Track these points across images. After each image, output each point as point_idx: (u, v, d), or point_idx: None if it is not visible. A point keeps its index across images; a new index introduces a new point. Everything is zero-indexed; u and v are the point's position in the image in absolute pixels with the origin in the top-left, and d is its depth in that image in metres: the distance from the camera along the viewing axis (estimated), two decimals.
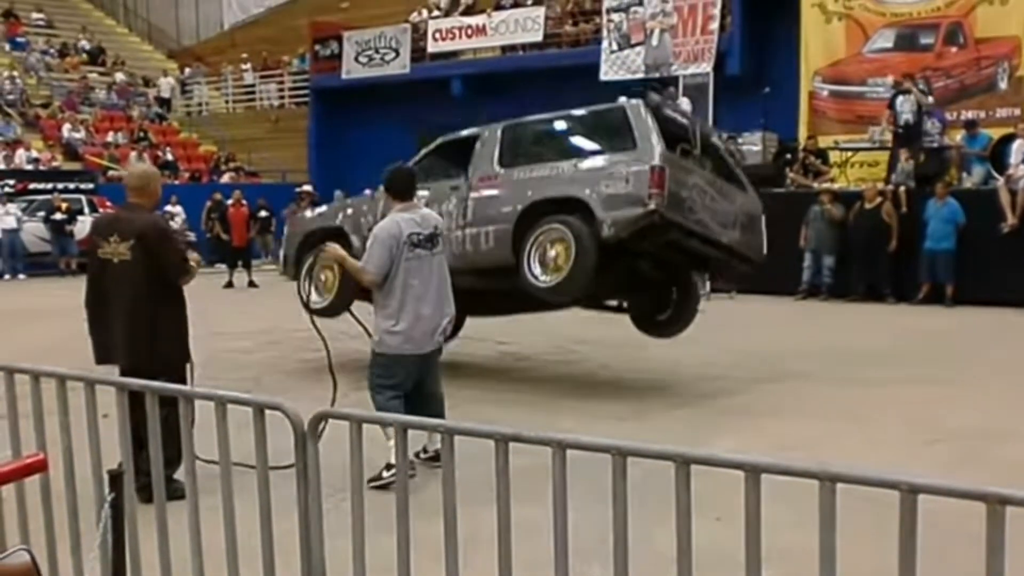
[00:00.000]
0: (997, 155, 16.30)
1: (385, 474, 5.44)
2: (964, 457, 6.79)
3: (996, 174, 15.93)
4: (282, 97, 31.47)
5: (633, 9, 21.59)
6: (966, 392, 8.87)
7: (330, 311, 9.22)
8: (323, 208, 10.99)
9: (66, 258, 22.96)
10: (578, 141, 9.46)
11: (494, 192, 9.12)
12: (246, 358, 11.04)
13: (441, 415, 5.94)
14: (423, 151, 10.09)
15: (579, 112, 9.82)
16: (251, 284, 20.24)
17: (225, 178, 28.16)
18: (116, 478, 3.00)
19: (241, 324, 10.61)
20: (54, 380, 3.82)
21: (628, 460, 2.74)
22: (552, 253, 8.47)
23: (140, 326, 5.68)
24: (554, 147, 9.41)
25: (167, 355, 5.68)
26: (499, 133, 9.66)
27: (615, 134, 8.82)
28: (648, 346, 10.60)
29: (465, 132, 10.11)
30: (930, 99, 17.26)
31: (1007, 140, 16.31)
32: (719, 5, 20.66)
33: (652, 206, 8.10)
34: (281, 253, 11.06)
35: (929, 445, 7.09)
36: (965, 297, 14.68)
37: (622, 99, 9.12)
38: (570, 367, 10.64)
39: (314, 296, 9.43)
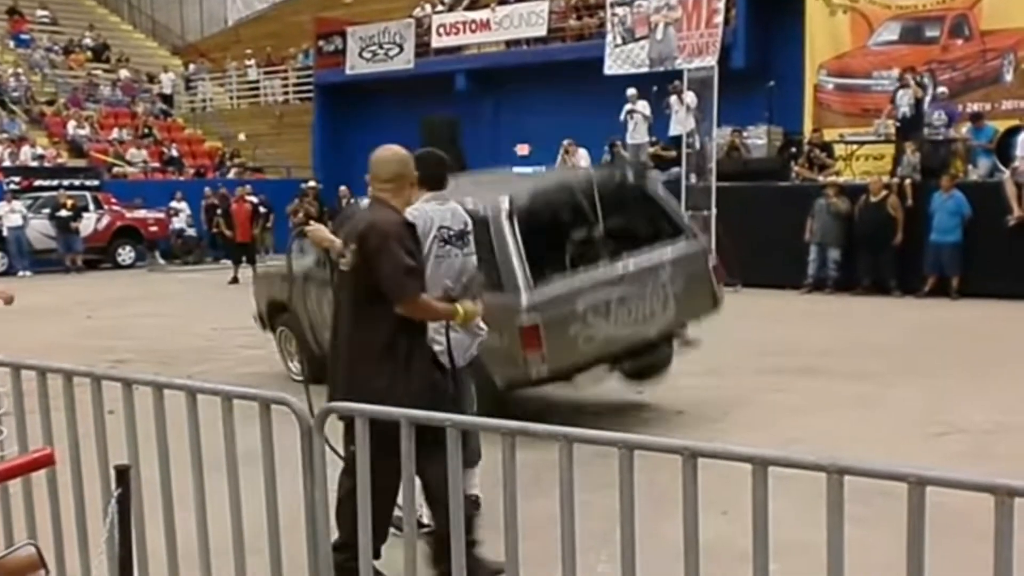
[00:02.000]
0: (1003, 147, 16.25)
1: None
2: (973, 450, 6.78)
3: (1002, 166, 15.88)
4: (286, 93, 31.47)
5: (637, 3, 21.52)
6: (974, 385, 8.84)
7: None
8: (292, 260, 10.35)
9: (72, 255, 23.00)
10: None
11: None
12: (250, 353, 11.04)
13: (476, 449, 5.05)
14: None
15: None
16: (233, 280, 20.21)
17: (229, 174, 28.19)
18: (123, 473, 3.00)
19: (246, 320, 10.64)
20: (60, 376, 3.83)
21: (635, 454, 2.74)
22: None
23: (350, 356, 4.36)
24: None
25: (380, 390, 4.10)
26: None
27: (487, 257, 6.49)
28: None
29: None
30: (930, 92, 17.21)
31: (1013, 132, 16.23)
32: None
33: (532, 373, 6.87)
34: (253, 305, 10.37)
35: (938, 438, 7.08)
36: (971, 290, 14.63)
37: (485, 206, 6.90)
38: None
39: (294, 366, 9.44)
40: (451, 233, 5.02)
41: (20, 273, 22.02)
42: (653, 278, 7.65)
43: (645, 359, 8.06)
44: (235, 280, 19.91)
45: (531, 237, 6.99)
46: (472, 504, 4.86)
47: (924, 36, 18.69)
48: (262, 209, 22.44)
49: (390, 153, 4.51)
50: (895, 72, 18.08)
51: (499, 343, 6.45)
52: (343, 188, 22.00)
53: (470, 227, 5.20)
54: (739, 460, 2.57)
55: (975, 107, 17.43)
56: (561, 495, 2.81)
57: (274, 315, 9.70)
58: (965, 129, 16.99)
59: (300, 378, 8.93)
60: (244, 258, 20.45)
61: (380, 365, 4.21)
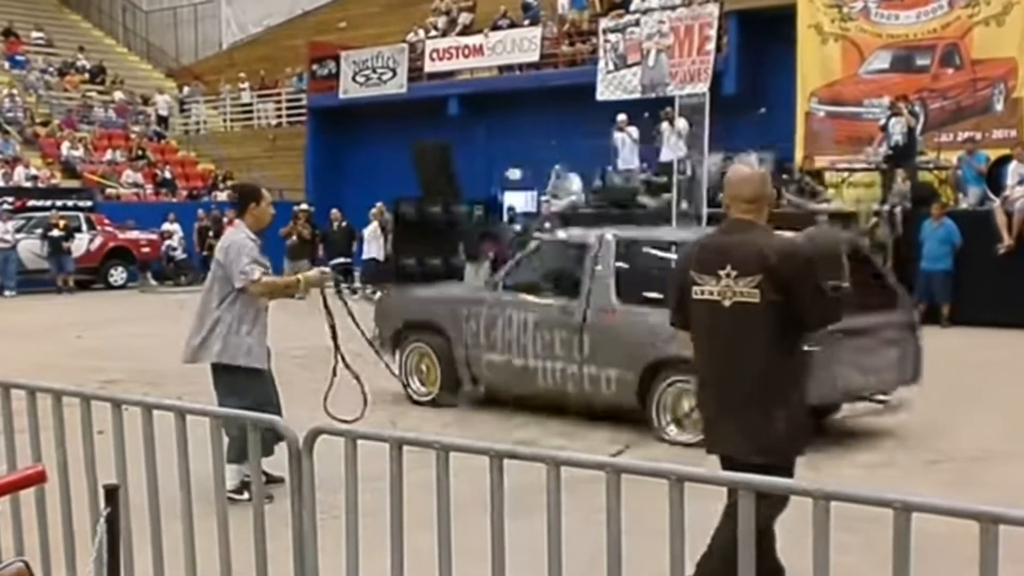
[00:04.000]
0: (993, 176, 16.35)
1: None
2: (961, 478, 6.80)
3: (992, 195, 15.98)
4: (279, 116, 31.54)
5: (630, 30, 21.66)
6: (963, 413, 8.86)
7: (437, 402, 9.23)
8: (425, 290, 10.60)
9: (63, 275, 22.94)
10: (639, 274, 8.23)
11: (614, 329, 8.16)
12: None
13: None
14: (519, 254, 9.70)
15: (673, 238, 8.53)
16: None
17: (223, 196, 28.20)
18: (111, 493, 3.00)
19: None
20: (50, 396, 3.83)
21: (623, 478, 2.75)
22: (685, 406, 7.53)
23: (756, 396, 3.87)
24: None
25: (790, 436, 3.91)
26: (612, 248, 8.40)
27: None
28: None
29: (569, 237, 9.42)
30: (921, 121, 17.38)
31: (1003, 161, 16.37)
32: (715, 26, 20.73)
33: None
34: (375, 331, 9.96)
35: (928, 466, 7.09)
36: (961, 318, 14.68)
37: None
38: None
39: (419, 387, 9.51)
40: None
41: (6, 292, 21.97)
42: (882, 339, 8.03)
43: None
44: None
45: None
46: None
47: (915, 65, 18.85)
48: None
49: (750, 171, 4.30)
50: (886, 100, 18.21)
51: None
52: (335, 211, 22.04)
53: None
54: (724, 485, 2.59)
55: (966, 135, 17.56)
56: (548, 518, 2.82)
57: (406, 335, 9.70)
58: (956, 157, 17.10)
59: (424, 399, 9.41)
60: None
61: (788, 398, 3.90)
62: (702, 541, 3.68)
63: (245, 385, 6.00)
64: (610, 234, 8.55)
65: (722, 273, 3.85)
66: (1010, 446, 7.61)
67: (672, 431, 7.78)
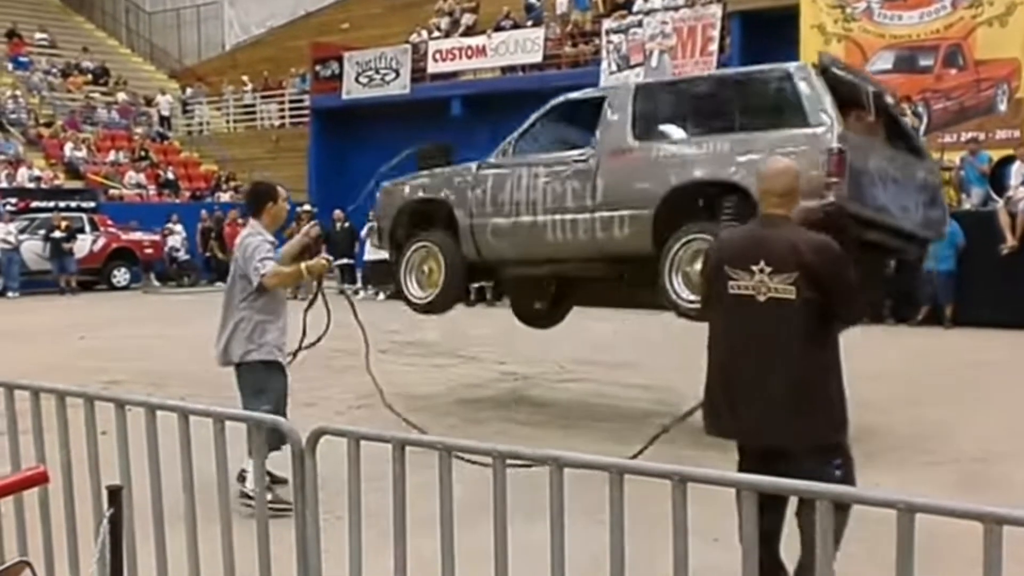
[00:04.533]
0: (997, 177, 16.33)
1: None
2: (964, 479, 6.79)
3: (995, 196, 15.96)
4: (283, 117, 31.56)
5: (632, 30, 21.67)
6: (966, 413, 8.85)
7: (433, 308, 8.98)
8: (417, 175, 9.71)
9: (66, 276, 22.98)
10: (732, 112, 7.96)
11: (629, 169, 7.94)
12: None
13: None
14: (533, 117, 9.13)
15: (732, 74, 8.84)
16: None
17: (225, 197, 28.24)
18: (115, 494, 3.00)
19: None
20: (54, 396, 3.83)
21: (625, 479, 2.74)
22: (697, 267, 6.98)
23: (798, 391, 3.87)
24: (702, 118, 8.10)
25: (828, 429, 3.95)
26: (631, 96, 8.28)
27: (781, 105, 7.56)
28: (641, 367, 10.60)
29: (585, 94, 9.01)
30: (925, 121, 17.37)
31: (1006, 162, 16.34)
32: (718, 27, 20.73)
33: (831, 198, 6.73)
34: (375, 224, 10.24)
35: (930, 467, 7.08)
36: (964, 318, 14.67)
37: (787, 65, 7.91)
38: (569, 392, 10.61)
39: (415, 290, 9.10)
40: None
41: (9, 294, 21.99)
42: (913, 175, 8.02)
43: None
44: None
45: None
46: None
47: (918, 65, 18.82)
48: None
49: (785, 165, 4.26)
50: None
51: None
52: (338, 212, 22.03)
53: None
54: (728, 485, 2.58)
55: (970, 136, 17.54)
56: (551, 519, 2.82)
57: (410, 228, 9.27)
58: (960, 157, 17.08)
59: (420, 301, 9.00)
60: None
61: (828, 390, 3.94)
62: (703, 541, 3.68)
63: (265, 381, 6.04)
64: (631, 82, 8.55)
65: (755, 268, 3.86)
66: (1012, 447, 7.60)
67: (685, 294, 7.40)
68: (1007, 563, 2.28)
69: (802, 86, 7.38)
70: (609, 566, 2.77)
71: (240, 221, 21.49)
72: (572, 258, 8.34)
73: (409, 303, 9.21)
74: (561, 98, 9.07)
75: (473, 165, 9.00)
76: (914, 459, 7.26)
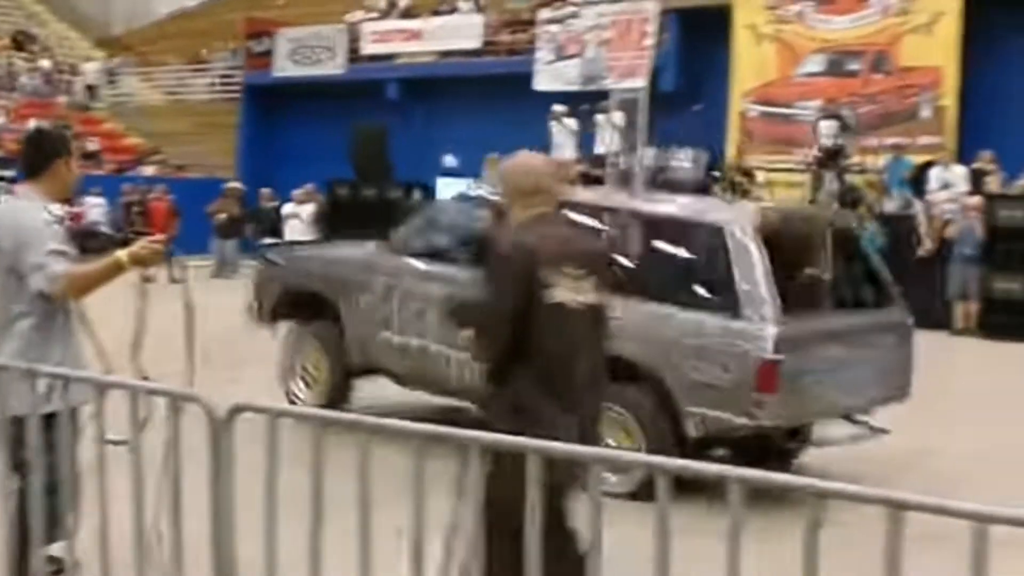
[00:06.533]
0: (918, 181, 16.72)
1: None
2: (889, 471, 6.94)
3: (916, 199, 16.34)
4: (212, 92, 31.04)
5: (569, 21, 21.69)
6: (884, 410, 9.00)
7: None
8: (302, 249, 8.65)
9: None
10: (651, 264, 6.77)
11: None
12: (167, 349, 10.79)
13: None
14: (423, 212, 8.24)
15: (656, 212, 7.10)
16: (173, 279, 19.85)
17: (149, 171, 27.69)
18: (20, 465, 2.91)
19: (159, 320, 10.38)
20: None
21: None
22: (610, 443, 5.93)
23: (597, 404, 3.96)
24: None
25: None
26: None
27: (707, 271, 6.43)
28: None
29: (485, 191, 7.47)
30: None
31: (927, 166, 16.78)
32: (655, 22, 20.84)
33: (760, 419, 5.92)
34: (252, 300, 8.62)
35: (847, 460, 7.18)
36: None
37: (717, 216, 6.42)
38: None
39: (299, 391, 7.89)
40: None
41: None
42: (869, 341, 6.95)
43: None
44: (149, 279, 19.50)
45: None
46: None
47: (846, 69, 19.19)
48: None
49: (533, 160, 3.96)
50: (818, 103, 18.50)
51: (718, 379, 5.94)
52: (266, 190, 21.78)
53: None
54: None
55: (894, 141, 17.93)
56: (466, 501, 2.80)
57: (289, 312, 8.14)
58: (882, 161, 17.44)
59: (305, 401, 7.75)
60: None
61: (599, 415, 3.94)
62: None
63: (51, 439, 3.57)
64: None
65: (567, 271, 3.69)
66: (930, 442, 7.78)
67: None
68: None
69: (734, 257, 6.12)
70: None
71: (166, 197, 21.07)
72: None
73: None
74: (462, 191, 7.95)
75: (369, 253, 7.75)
76: (838, 450, 7.26)
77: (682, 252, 6.78)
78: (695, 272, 6.64)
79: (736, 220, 6.36)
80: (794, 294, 6.30)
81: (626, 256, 6.62)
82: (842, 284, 6.87)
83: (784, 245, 6.31)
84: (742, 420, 5.92)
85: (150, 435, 3.38)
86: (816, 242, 6.59)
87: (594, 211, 6.84)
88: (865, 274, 7.24)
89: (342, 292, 7.63)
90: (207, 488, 3.26)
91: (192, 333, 4.55)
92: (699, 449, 6.18)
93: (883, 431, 6.94)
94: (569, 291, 3.67)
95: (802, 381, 6.12)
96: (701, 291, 6.42)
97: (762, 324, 5.95)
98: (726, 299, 6.12)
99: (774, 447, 6.73)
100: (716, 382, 5.95)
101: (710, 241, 6.37)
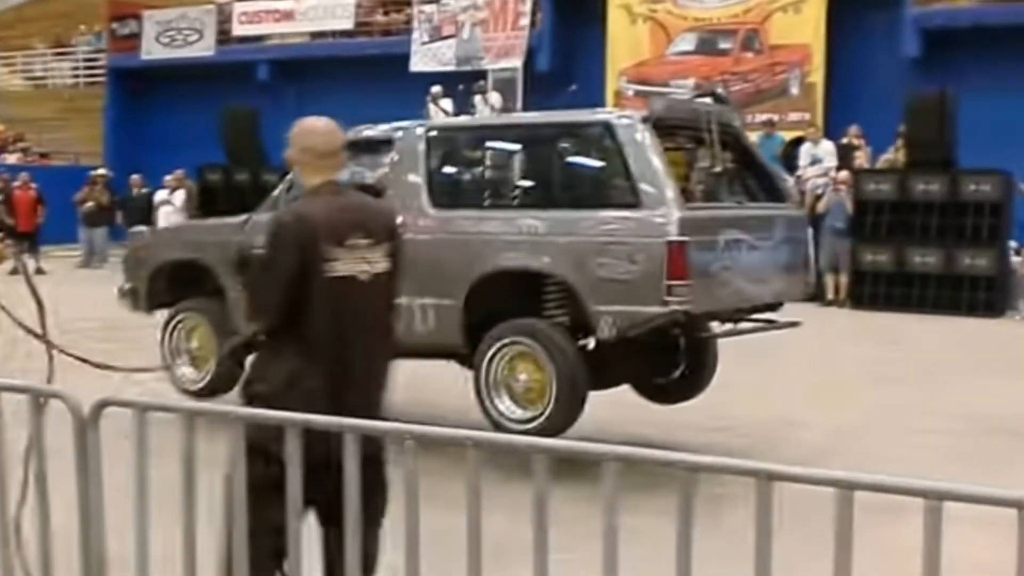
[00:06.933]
0: (788, 157, 17.17)
1: None
2: (758, 443, 7.11)
3: (787, 174, 16.77)
4: (76, 76, 29.95)
5: (444, 2, 21.60)
6: (762, 383, 9.17)
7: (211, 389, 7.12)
8: (173, 223, 8.37)
9: None
10: (548, 173, 6.83)
11: (428, 245, 6.30)
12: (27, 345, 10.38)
13: None
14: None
15: (543, 121, 7.10)
16: (39, 271, 19.15)
17: (12, 159, 26.57)
18: None
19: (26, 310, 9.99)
20: None
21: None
22: (521, 378, 6.17)
23: (385, 373, 3.69)
24: (510, 181, 6.86)
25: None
26: (423, 145, 6.77)
27: (604, 170, 6.50)
28: None
29: (373, 132, 7.28)
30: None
31: (797, 143, 17.24)
32: (529, 1, 20.90)
33: (673, 306, 5.80)
34: (124, 284, 8.14)
35: (718, 432, 7.33)
36: None
37: (604, 114, 6.79)
38: None
39: (189, 373, 7.53)
40: None
41: None
42: (770, 230, 6.79)
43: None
44: (15, 271, 18.74)
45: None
46: None
47: (718, 48, 19.58)
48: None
49: (329, 123, 3.78)
50: (691, 81, 18.82)
51: (626, 274, 5.85)
52: (135, 176, 21.14)
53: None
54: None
55: (765, 118, 18.37)
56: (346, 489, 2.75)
57: (169, 292, 7.74)
58: (754, 138, 17.84)
59: (197, 388, 7.37)
60: (27, 247, 19.31)
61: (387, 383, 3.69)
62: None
63: None
64: (419, 128, 7.00)
65: (353, 242, 3.48)
66: (798, 414, 8.01)
67: (506, 407, 6.26)
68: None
69: (628, 150, 6.11)
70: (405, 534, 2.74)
71: (31, 185, 20.24)
72: None
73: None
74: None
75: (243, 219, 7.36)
76: (703, 424, 7.43)
77: (577, 156, 6.80)
78: (592, 173, 6.67)
79: (623, 114, 6.51)
80: (691, 185, 6.49)
81: (524, 171, 6.75)
82: (734, 178, 6.96)
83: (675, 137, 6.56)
84: (655, 309, 5.81)
85: (19, 432, 3.22)
86: (703, 130, 6.68)
87: (486, 131, 7.09)
88: (755, 169, 7.27)
89: (221, 256, 7.03)
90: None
91: (44, 327, 4.66)
92: (609, 380, 6.45)
93: (794, 324, 7.03)
94: (355, 262, 3.46)
95: (711, 267, 6.12)
96: (601, 190, 6.47)
97: (665, 210, 5.94)
98: (625, 193, 6.13)
99: (682, 357, 6.93)
100: (625, 276, 5.87)
101: (601, 138, 6.40)
